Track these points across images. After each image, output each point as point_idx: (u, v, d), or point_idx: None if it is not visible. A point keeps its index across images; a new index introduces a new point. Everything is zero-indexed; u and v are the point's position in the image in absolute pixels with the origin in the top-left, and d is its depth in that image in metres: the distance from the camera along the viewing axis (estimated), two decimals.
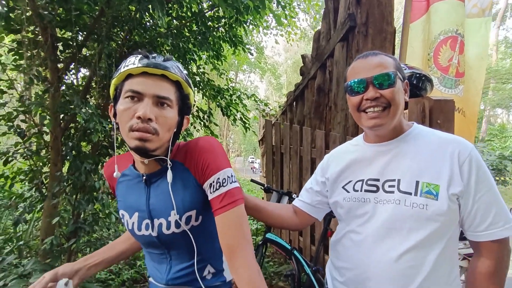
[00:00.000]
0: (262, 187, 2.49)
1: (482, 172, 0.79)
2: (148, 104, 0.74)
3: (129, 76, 0.77)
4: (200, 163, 0.81)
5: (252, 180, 2.52)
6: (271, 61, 28.51)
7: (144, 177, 0.84)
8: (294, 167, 2.95)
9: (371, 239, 0.86)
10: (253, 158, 34.79)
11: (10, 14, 2.06)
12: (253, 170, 22.46)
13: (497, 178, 15.75)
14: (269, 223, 1.13)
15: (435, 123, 1.45)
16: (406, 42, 2.11)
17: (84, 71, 3.39)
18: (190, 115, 0.91)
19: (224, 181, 0.79)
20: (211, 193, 0.80)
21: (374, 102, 0.84)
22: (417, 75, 1.67)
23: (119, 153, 2.68)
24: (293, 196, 2.35)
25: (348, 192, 0.94)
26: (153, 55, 0.77)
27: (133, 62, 0.75)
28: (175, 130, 0.81)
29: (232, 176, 0.81)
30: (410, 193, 0.81)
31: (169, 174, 0.80)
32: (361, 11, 2.17)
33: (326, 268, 1.09)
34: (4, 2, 2.03)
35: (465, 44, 2.28)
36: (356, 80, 0.87)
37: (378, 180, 0.88)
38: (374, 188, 0.88)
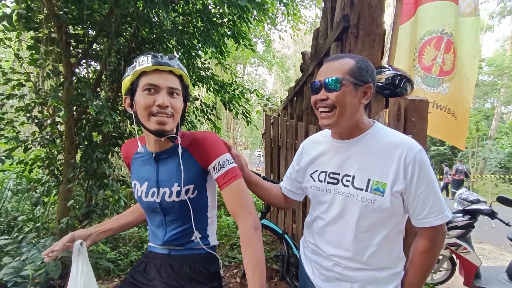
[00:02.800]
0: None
1: (424, 172, 0.91)
2: (164, 95, 0.95)
3: (142, 73, 0.96)
4: (203, 152, 1.04)
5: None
6: (279, 54, 28.29)
7: (154, 155, 1.06)
8: (290, 159, 3.13)
9: (331, 225, 1.03)
10: (260, 151, 34.77)
11: (29, 14, 2.25)
12: (257, 164, 22.21)
13: (503, 177, 15.66)
14: (264, 198, 1.32)
15: (409, 121, 1.59)
16: (396, 43, 2.24)
17: (94, 65, 3.59)
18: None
19: (223, 163, 1.02)
20: (215, 173, 1.02)
21: (323, 103, 0.97)
22: (399, 76, 1.82)
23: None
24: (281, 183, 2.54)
25: (314, 180, 1.09)
26: (160, 54, 0.98)
27: (146, 62, 0.94)
28: (181, 114, 1.03)
29: (229, 159, 1.04)
30: (362, 189, 0.96)
31: (180, 148, 1.02)
32: (353, 13, 2.29)
33: (300, 241, 1.27)
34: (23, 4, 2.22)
35: (459, 43, 2.37)
36: (315, 81, 1.00)
37: (338, 174, 1.02)
38: (335, 181, 1.03)
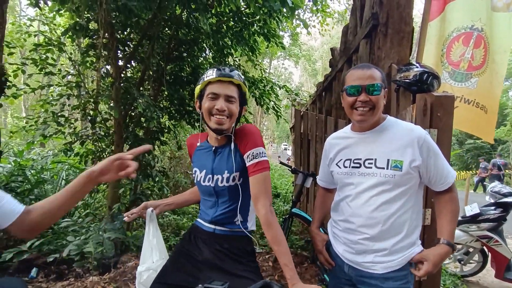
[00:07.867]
0: (290, 169, 2.86)
1: (432, 150, 1.16)
2: (222, 101, 1.18)
3: (209, 83, 1.21)
4: (243, 141, 1.23)
5: (280, 162, 2.90)
6: (306, 46, 27.85)
7: (213, 148, 1.30)
8: (319, 152, 3.27)
9: (357, 199, 1.22)
10: (286, 145, 34.69)
11: (88, 24, 2.57)
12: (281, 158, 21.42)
13: None
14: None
15: (435, 115, 1.69)
16: (424, 40, 2.29)
17: (134, 64, 3.89)
18: None
19: (256, 155, 1.20)
20: (248, 161, 1.21)
21: (364, 104, 1.17)
22: (427, 73, 1.90)
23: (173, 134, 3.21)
24: (317, 177, 2.69)
25: (340, 168, 1.30)
26: (223, 67, 1.21)
27: (211, 74, 1.19)
28: (237, 116, 1.25)
29: (262, 152, 1.21)
30: (383, 168, 1.17)
31: (233, 144, 1.25)
32: (382, 12, 2.37)
33: (328, 224, 1.44)
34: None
35: (491, 37, 2.38)
36: (354, 85, 1.19)
37: (360, 159, 1.23)
38: (358, 165, 1.23)
